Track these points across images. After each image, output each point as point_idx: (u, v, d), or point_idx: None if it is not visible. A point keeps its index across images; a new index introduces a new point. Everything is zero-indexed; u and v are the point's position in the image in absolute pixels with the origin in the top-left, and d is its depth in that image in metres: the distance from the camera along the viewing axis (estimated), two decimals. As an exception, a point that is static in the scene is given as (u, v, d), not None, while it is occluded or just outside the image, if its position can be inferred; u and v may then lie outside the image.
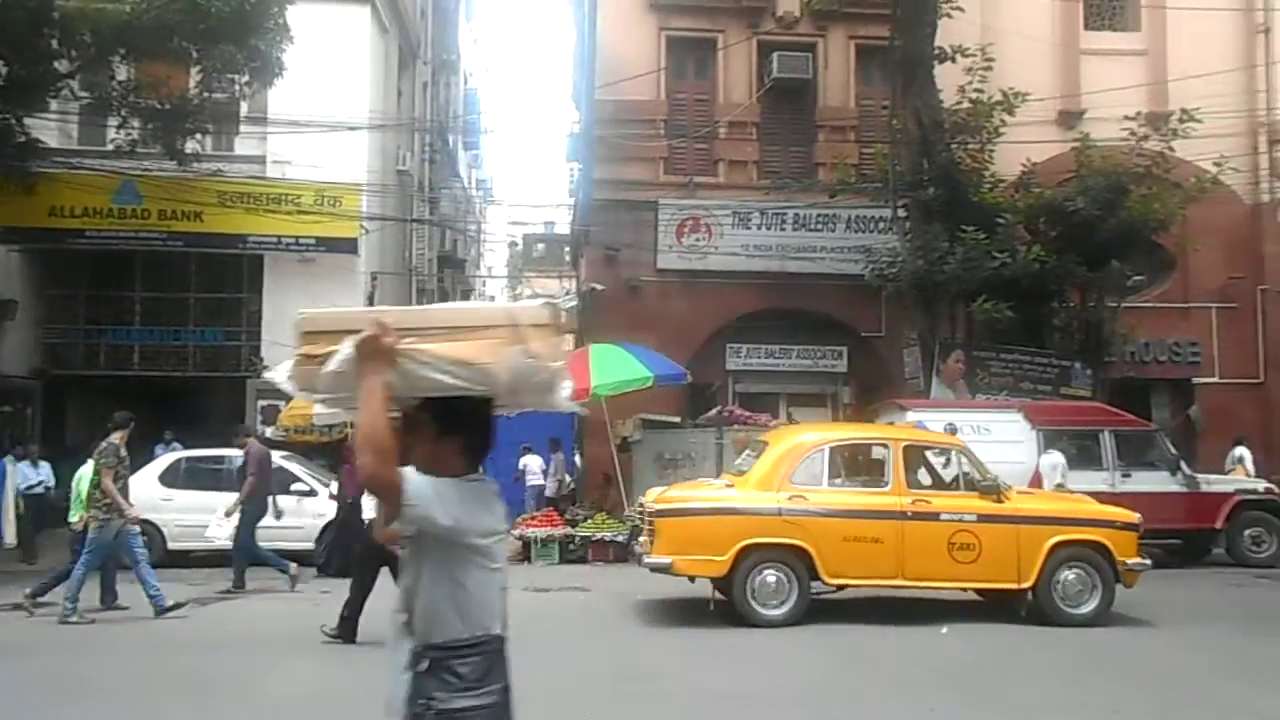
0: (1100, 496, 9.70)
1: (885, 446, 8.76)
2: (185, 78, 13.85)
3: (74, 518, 9.35)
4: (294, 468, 12.50)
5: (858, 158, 16.50)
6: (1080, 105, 16.64)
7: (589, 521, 13.18)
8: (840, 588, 8.54)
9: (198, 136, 14.70)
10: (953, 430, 10.93)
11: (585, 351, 14.35)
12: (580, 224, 18.03)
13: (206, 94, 13.56)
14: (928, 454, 9.08)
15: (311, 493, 12.34)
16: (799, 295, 16.35)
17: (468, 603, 2.36)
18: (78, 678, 6.74)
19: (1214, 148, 15.04)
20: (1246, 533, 12.60)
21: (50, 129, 14.41)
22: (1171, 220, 14.57)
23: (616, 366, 13.30)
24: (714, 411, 14.71)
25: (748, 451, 9.65)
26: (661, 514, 8.52)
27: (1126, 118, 14.78)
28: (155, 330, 16.20)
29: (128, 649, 7.80)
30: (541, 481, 15.49)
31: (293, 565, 10.42)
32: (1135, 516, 8.77)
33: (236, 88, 14.11)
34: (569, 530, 12.98)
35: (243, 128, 15.84)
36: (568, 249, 28.49)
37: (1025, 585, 8.34)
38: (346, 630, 7.64)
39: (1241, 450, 14.40)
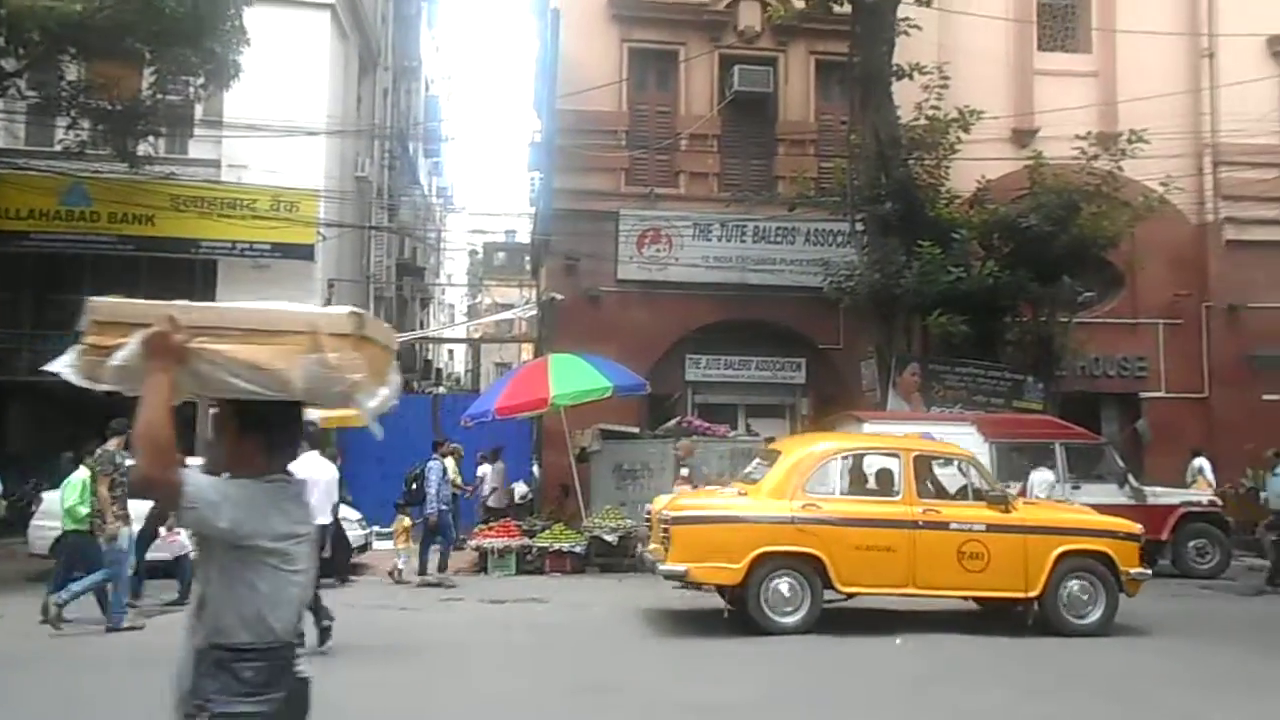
0: (1050, 508, 9.87)
1: (896, 456, 8.85)
2: (138, 79, 13.58)
3: (68, 525, 9.01)
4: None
5: (817, 172, 16.69)
6: (1033, 124, 17.00)
7: (547, 532, 13.11)
8: (851, 596, 8.63)
9: (150, 139, 14.42)
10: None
11: (544, 361, 14.33)
12: (541, 233, 17.98)
13: (160, 96, 13.32)
14: (937, 464, 9.24)
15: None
16: (758, 307, 16.46)
17: (257, 607, 2.30)
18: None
19: (1161, 168, 15.46)
20: (1191, 544, 12.90)
21: (-4, 128, 14.09)
22: (1120, 238, 14.92)
23: (575, 376, 13.27)
24: (673, 422, 14.75)
25: (757, 460, 9.73)
26: (677, 521, 8.55)
27: (1078, 137, 15.13)
28: (104, 336, 15.82)
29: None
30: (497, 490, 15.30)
31: None
32: (1137, 527, 9.05)
33: (191, 90, 13.88)
34: (526, 541, 12.90)
35: (197, 131, 15.55)
36: (528, 258, 28.42)
37: (1032, 594, 8.50)
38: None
39: (1201, 461, 14.72)
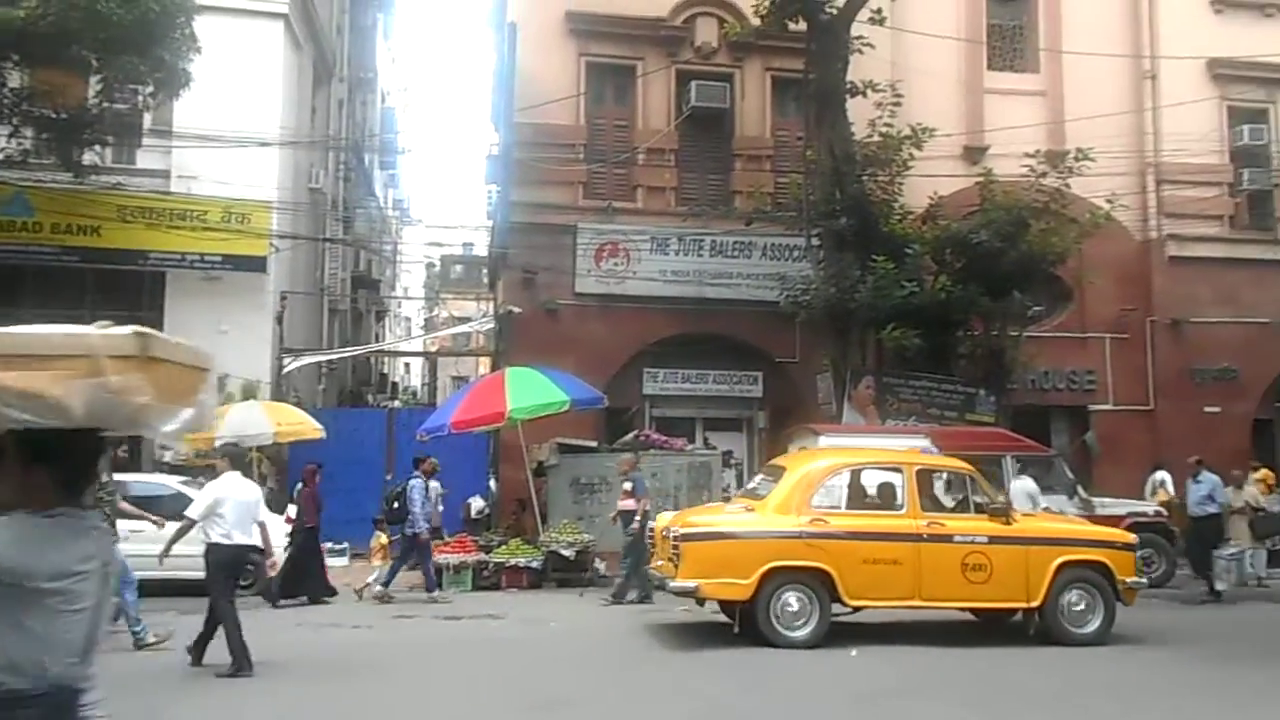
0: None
1: (899, 471, 8.96)
2: (84, 87, 13.28)
3: None
4: (192, 492, 12.00)
5: (773, 187, 16.83)
6: (984, 142, 17.33)
7: (503, 547, 12.99)
8: (858, 609, 8.69)
9: (97, 148, 14.09)
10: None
11: (501, 375, 14.22)
12: (498, 246, 17.90)
13: (107, 104, 13.04)
14: (939, 478, 9.34)
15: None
16: (716, 321, 16.53)
17: (28, 649, 2.15)
18: None
19: (1106, 186, 15.84)
20: (1138, 554, 13.13)
21: (-68, 135, 13.66)
22: (1068, 254, 15.24)
23: (533, 390, 13.19)
24: (630, 436, 14.73)
25: (761, 476, 9.74)
26: (688, 538, 8.55)
27: (1026, 155, 15.44)
28: (46, 349, 15.39)
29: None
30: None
31: None
32: (1132, 537, 9.28)
33: (140, 99, 13.60)
34: (482, 556, 12.77)
35: (147, 140, 15.24)
36: (486, 271, 28.26)
37: (1034, 605, 8.65)
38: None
39: (1162, 474, 15.02)
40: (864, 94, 15.13)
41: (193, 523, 7.58)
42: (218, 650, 7.37)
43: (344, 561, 14.12)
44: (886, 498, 8.99)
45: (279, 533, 12.19)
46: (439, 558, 12.47)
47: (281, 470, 15.25)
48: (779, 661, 8.00)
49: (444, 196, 65.45)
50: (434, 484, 13.10)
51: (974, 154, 17.21)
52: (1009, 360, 15.04)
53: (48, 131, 13.06)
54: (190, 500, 11.64)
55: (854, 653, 8.23)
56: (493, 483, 15.96)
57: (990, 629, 9.25)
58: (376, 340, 33.01)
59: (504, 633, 9.67)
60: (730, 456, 16.75)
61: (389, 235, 33.91)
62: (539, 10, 16.39)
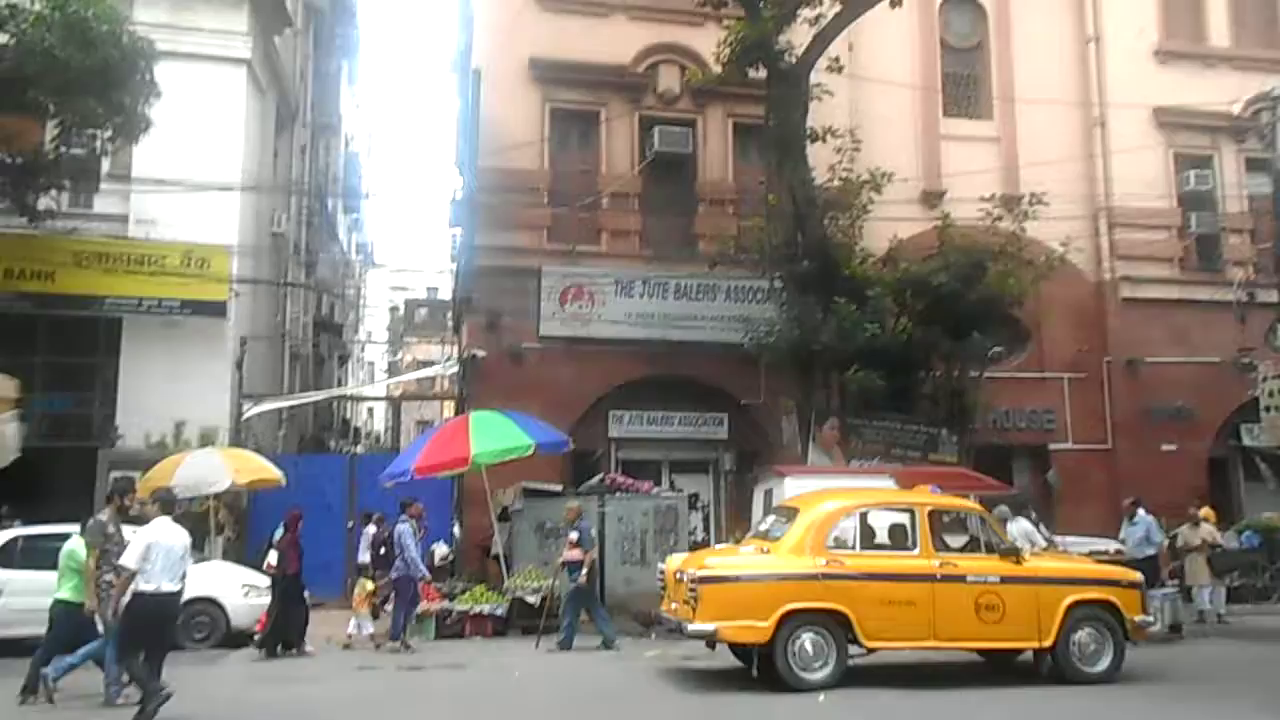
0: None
1: (911, 511, 8.95)
2: (40, 132, 13.14)
3: (63, 594, 8.37)
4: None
5: (736, 230, 16.98)
6: (941, 186, 17.71)
7: (467, 594, 12.78)
8: (873, 650, 8.62)
9: (53, 193, 13.90)
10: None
11: (465, 419, 14.10)
12: (462, 290, 17.86)
13: (64, 149, 12.90)
14: (949, 518, 9.36)
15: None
16: (680, 363, 16.57)
17: None
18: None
19: (1061, 229, 16.23)
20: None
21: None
22: (1025, 295, 15.52)
23: (497, 434, 13.08)
24: (596, 479, 14.63)
25: (773, 517, 9.68)
26: (706, 580, 8.46)
27: (983, 199, 15.79)
28: (-4, 396, 15.01)
29: None
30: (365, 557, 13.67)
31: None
32: (1138, 575, 9.30)
33: (98, 143, 13.48)
34: (446, 604, 12.54)
35: (105, 185, 15.06)
36: (450, 315, 28.17)
37: (1045, 644, 8.64)
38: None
39: (1140, 512, 15.15)
40: (824, 140, 15.40)
41: (134, 572, 7.36)
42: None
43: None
44: (899, 538, 9.00)
45: (234, 582, 11.98)
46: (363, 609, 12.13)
47: (240, 519, 14.94)
48: (781, 707, 7.90)
49: (408, 240, 65.39)
50: (368, 530, 12.80)
51: (932, 198, 17.56)
52: (970, 401, 15.20)
53: (2, 176, 12.85)
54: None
55: (822, 698, 8.13)
56: (456, 528, 15.74)
57: (999, 669, 9.22)
58: (339, 385, 32.65)
59: (467, 683, 9.46)
60: (697, 499, 16.73)
61: (352, 279, 33.73)
62: (503, 57, 16.55)
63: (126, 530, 8.26)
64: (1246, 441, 17.75)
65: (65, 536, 10.92)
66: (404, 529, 11.58)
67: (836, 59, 15.66)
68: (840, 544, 8.68)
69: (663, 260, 16.84)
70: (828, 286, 14.36)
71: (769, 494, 13.03)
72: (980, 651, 9.31)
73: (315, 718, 7.92)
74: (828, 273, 14.53)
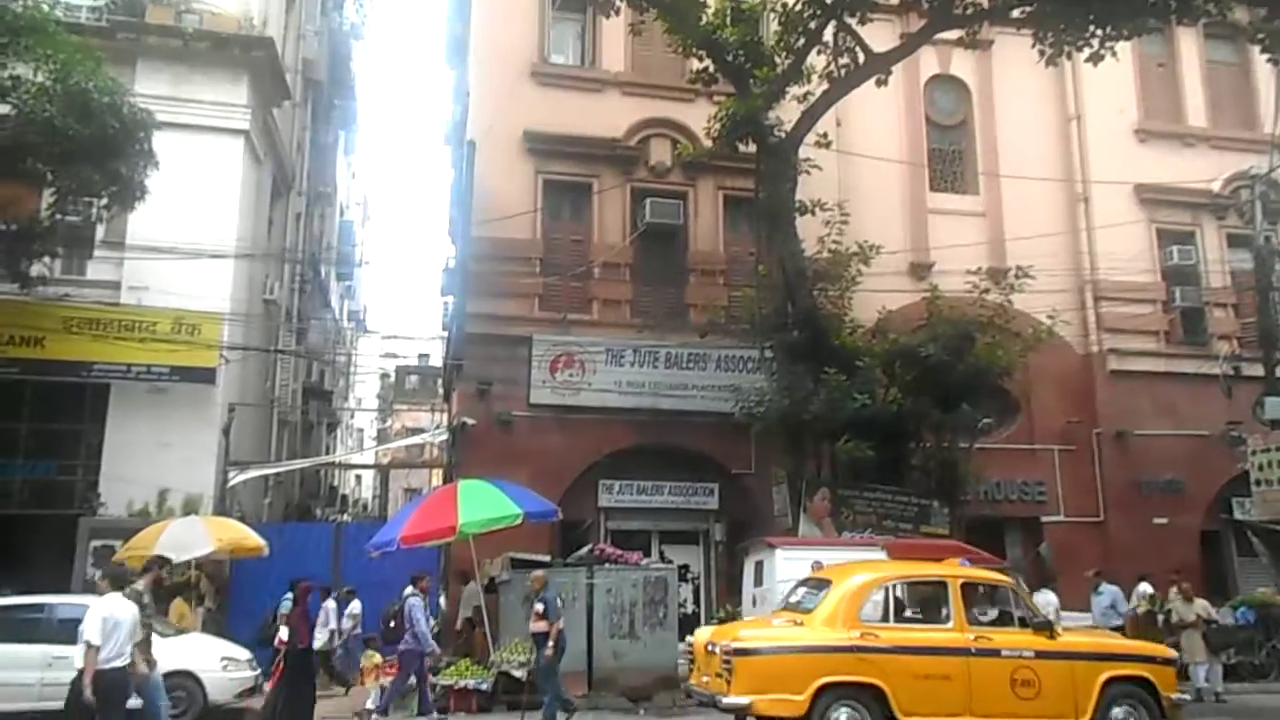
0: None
1: (944, 584, 8.91)
2: (36, 199, 13.23)
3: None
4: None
5: (727, 300, 17.13)
6: (929, 259, 17.93)
7: (451, 668, 12.49)
8: None
9: (46, 259, 13.95)
10: (819, 568, 11.05)
11: (453, 487, 13.92)
12: (453, 358, 17.87)
13: (59, 216, 12.98)
14: (983, 591, 9.30)
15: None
16: (671, 432, 16.52)
17: None
18: None
19: (1047, 302, 16.39)
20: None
21: None
22: (1014, 367, 15.60)
23: (485, 503, 12.90)
24: (585, 550, 14.45)
25: (804, 588, 9.60)
26: (741, 653, 8.38)
27: (970, 272, 15.98)
28: (-22, 462, 14.81)
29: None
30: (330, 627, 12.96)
31: None
32: (1173, 653, 9.31)
33: (94, 211, 13.58)
34: (430, 678, 12.24)
35: (99, 252, 15.11)
36: (440, 382, 28.13)
37: None
38: None
39: (1145, 586, 15.03)
40: (813, 212, 15.64)
41: (97, 647, 7.18)
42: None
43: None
44: (932, 612, 8.93)
45: (213, 654, 11.67)
46: (383, 679, 11.94)
47: (221, 589, 14.65)
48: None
49: (400, 308, 65.64)
50: (327, 604, 12.54)
51: (920, 270, 17.77)
52: (961, 472, 15.16)
53: (-4, 242, 12.91)
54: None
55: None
56: (442, 599, 15.46)
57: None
58: (327, 452, 32.40)
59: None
60: (687, 571, 16.52)
61: (343, 346, 33.75)
62: (498, 129, 16.83)
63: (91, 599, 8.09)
64: (1238, 515, 17.67)
65: (40, 607, 10.69)
66: (415, 602, 11.45)
67: (825, 134, 16.00)
68: (874, 617, 8.63)
69: (653, 329, 16.92)
70: (817, 356, 14.42)
71: (760, 566, 12.89)
72: None
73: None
74: (817, 343, 14.61)
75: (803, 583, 9.94)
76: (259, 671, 12.05)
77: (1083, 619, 13.70)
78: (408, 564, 14.45)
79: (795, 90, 15.55)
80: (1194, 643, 13.41)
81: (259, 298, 17.90)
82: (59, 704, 7.89)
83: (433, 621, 14.96)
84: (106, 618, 7.21)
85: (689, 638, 10.04)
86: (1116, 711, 8.60)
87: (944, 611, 8.75)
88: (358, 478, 43.98)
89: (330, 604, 12.75)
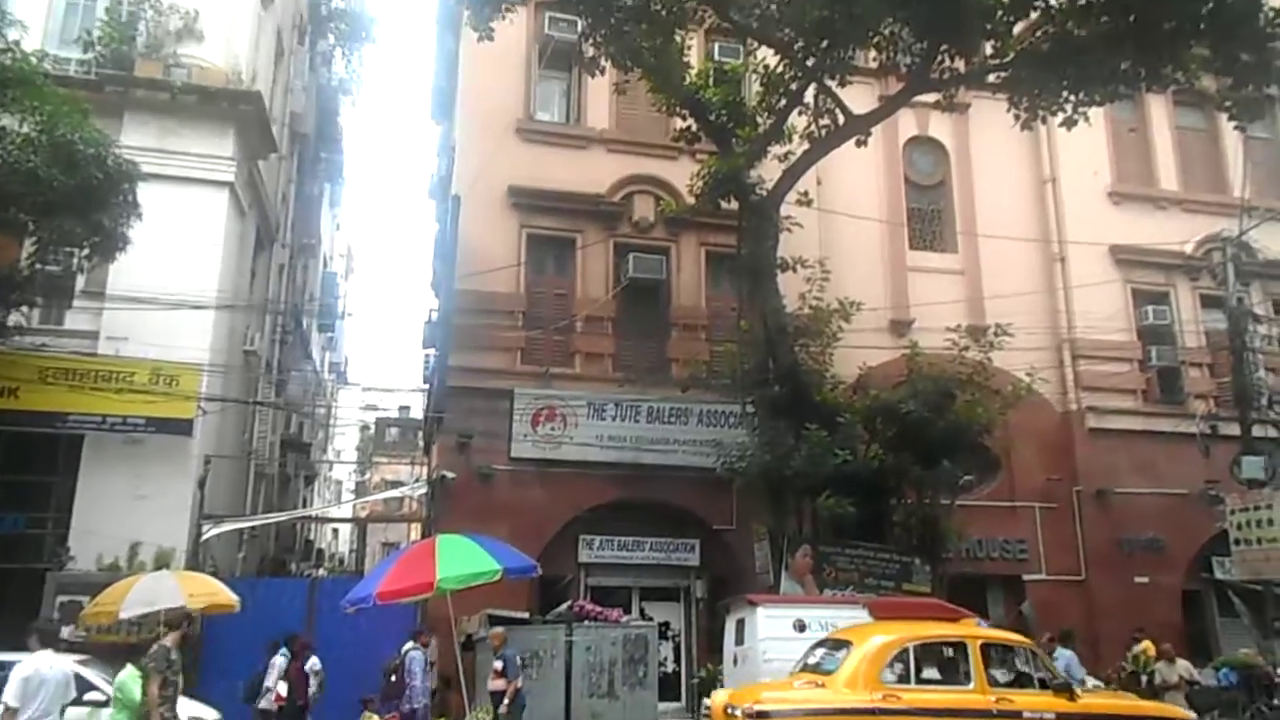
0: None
1: (963, 645, 8.90)
2: (17, 249, 13.16)
3: None
4: (90, 674, 11.11)
5: (709, 355, 17.19)
6: (909, 316, 18.11)
7: (426, 730, 12.18)
8: None
9: (23, 309, 13.84)
10: (801, 626, 10.95)
11: (432, 542, 13.74)
12: (434, 410, 17.78)
13: (39, 266, 12.91)
14: (1002, 652, 9.25)
15: (107, 703, 10.95)
16: (652, 487, 16.44)
17: None
18: None
19: (1026, 360, 16.54)
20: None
21: None
22: (994, 424, 15.67)
23: (464, 558, 12.70)
24: (564, 606, 14.25)
25: (823, 649, 9.50)
26: (763, 715, 8.29)
27: (949, 329, 16.14)
28: (-58, 515, 14.49)
29: None
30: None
31: None
32: (1190, 715, 9.34)
33: (75, 261, 13.52)
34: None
35: (77, 301, 15.01)
36: (421, 434, 27.93)
37: None
38: None
39: (1059, 648, 14.93)
40: (794, 269, 15.80)
41: (15, 709, 6.96)
42: None
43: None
44: (952, 673, 8.88)
45: (180, 715, 11.34)
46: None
47: (193, 646, 14.30)
48: None
49: (382, 359, 65.43)
50: (276, 660, 12.27)
51: (900, 327, 17.93)
52: (943, 529, 15.12)
53: (-27, 292, 12.81)
54: (89, 684, 10.84)
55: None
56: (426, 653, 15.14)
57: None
58: (304, 505, 31.98)
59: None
60: (668, 628, 16.31)
61: (323, 398, 33.53)
62: (482, 184, 16.98)
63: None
64: (1219, 575, 17.66)
65: (5, 665, 10.35)
66: (415, 656, 11.25)
67: (806, 193, 16.24)
68: (894, 678, 8.55)
69: (635, 383, 16.93)
70: (799, 412, 14.45)
71: (741, 623, 12.73)
72: None
73: None
74: (799, 398, 14.65)
75: (821, 643, 9.87)
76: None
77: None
78: (384, 621, 14.19)
79: (776, 149, 15.82)
80: (1177, 704, 13.27)
81: (239, 349, 17.80)
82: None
83: (432, 675, 14.71)
84: (29, 677, 6.99)
85: (707, 702, 9.84)
86: None
87: (964, 672, 8.73)
88: (335, 531, 43.36)
89: (279, 659, 12.45)
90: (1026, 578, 17.69)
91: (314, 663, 13.06)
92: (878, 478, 14.37)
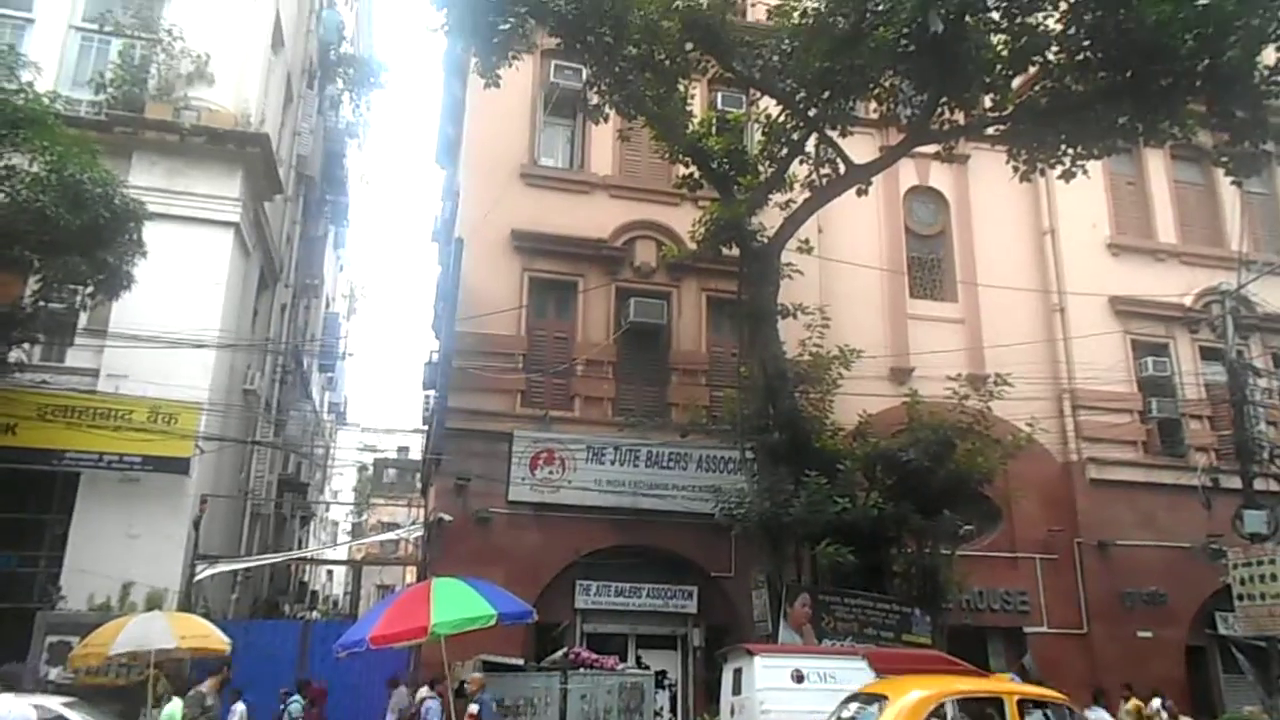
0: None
1: (1000, 701, 8.86)
2: (21, 286, 13.23)
3: None
4: (75, 716, 10.94)
5: (708, 400, 17.18)
6: (909, 364, 18.12)
7: (417, 779, 11.97)
8: None
9: (25, 346, 13.87)
10: (799, 677, 10.80)
11: (427, 585, 13.62)
12: (432, 452, 17.72)
13: (43, 303, 12.97)
14: (1036, 708, 9.17)
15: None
16: (650, 532, 16.32)
17: None
18: None
19: (1026, 409, 16.52)
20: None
21: None
22: (994, 474, 15.58)
23: (459, 603, 12.59)
24: (560, 653, 14.07)
25: (856, 704, 9.40)
26: None
27: (949, 378, 16.12)
28: (-66, 554, 14.37)
29: None
30: None
31: None
32: None
33: (78, 299, 13.59)
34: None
35: (79, 339, 15.04)
36: (419, 476, 27.80)
37: None
38: None
39: (1156, 703, 14.74)
40: (794, 316, 15.84)
41: None
42: None
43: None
44: None
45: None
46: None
47: (182, 690, 14.10)
48: None
49: (382, 400, 65.36)
50: (238, 707, 12.05)
51: (900, 375, 17.93)
52: (943, 579, 14.97)
53: (-24, 329, 12.84)
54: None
55: None
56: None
57: None
58: (300, 546, 31.73)
59: None
60: (664, 677, 16.08)
61: (322, 438, 33.44)
62: (486, 228, 17.11)
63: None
64: (1222, 630, 17.44)
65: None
66: (432, 705, 11.15)
67: (806, 240, 16.35)
68: None
69: (635, 428, 16.88)
70: (798, 459, 14.39)
71: (738, 673, 12.54)
72: None
73: None
74: (798, 445, 14.60)
75: (854, 697, 9.74)
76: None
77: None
78: (377, 665, 14.04)
79: (778, 197, 15.97)
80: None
81: (239, 387, 17.80)
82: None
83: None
84: None
85: None
86: None
87: None
88: (329, 573, 42.96)
89: (240, 706, 12.25)
90: (1028, 630, 17.47)
91: (295, 709, 12.83)
92: (878, 526, 14.25)
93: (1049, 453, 18.24)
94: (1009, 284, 19.03)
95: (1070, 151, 14.13)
